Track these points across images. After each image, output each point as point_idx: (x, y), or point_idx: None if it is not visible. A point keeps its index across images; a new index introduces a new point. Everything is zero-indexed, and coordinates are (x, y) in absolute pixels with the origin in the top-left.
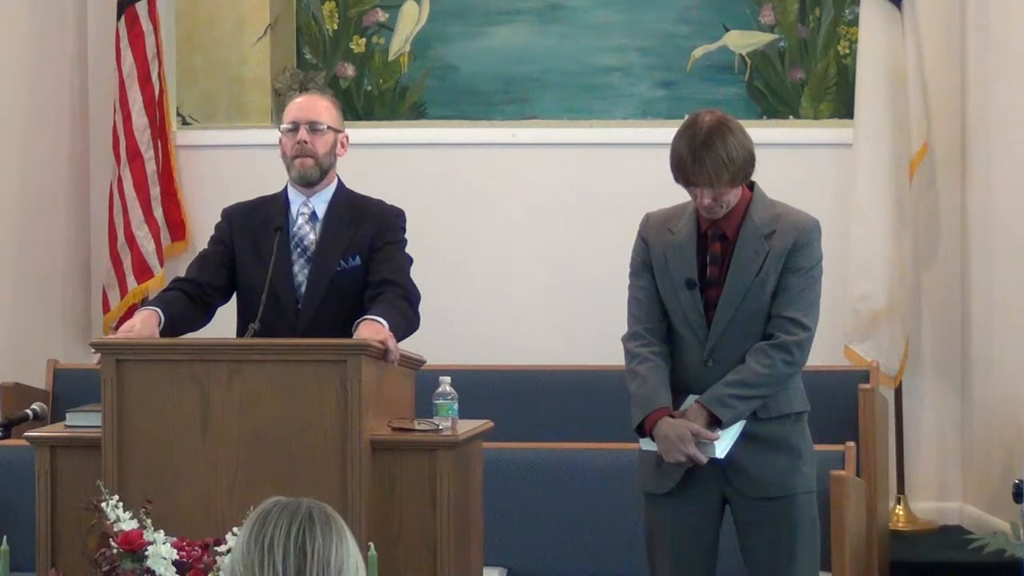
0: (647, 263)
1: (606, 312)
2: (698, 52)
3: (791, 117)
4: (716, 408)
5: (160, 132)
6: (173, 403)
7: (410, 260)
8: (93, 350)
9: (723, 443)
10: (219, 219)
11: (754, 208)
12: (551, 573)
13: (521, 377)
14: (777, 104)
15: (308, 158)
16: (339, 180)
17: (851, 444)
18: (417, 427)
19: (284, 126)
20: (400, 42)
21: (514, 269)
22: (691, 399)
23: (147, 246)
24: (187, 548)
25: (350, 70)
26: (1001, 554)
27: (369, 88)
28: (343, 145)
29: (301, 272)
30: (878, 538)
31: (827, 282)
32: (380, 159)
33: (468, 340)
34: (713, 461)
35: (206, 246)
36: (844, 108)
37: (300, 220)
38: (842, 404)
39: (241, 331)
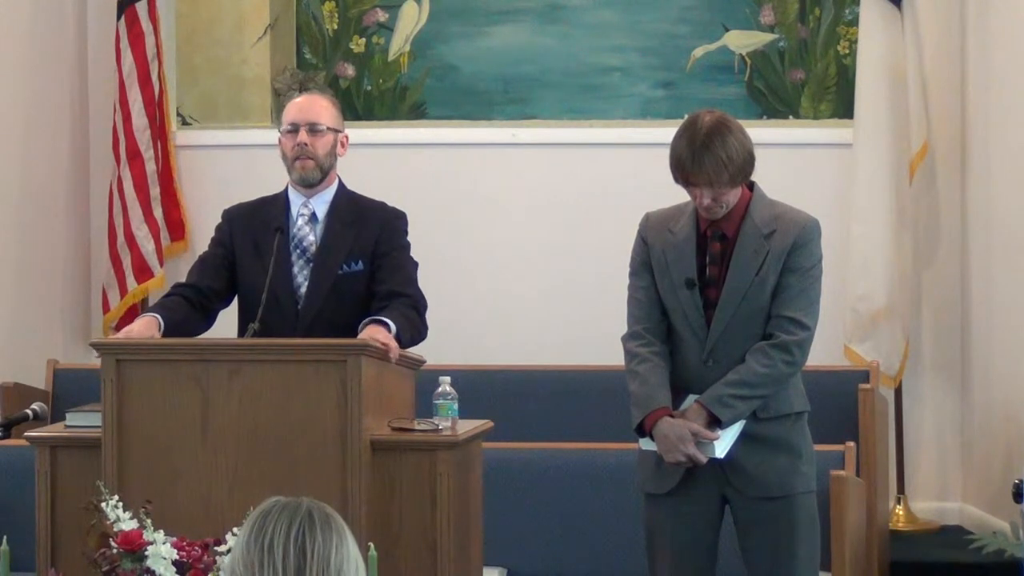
0: (647, 263)
1: (606, 312)
2: (698, 52)
3: (791, 117)
4: (716, 408)
5: (160, 132)
6: (173, 403)
7: (416, 265)
8: (93, 350)
9: (723, 443)
10: (219, 220)
11: (754, 208)
12: (551, 573)
13: (521, 377)
14: (777, 104)
15: (308, 160)
16: (340, 181)
17: (851, 444)
18: (417, 427)
19: (283, 127)
20: (400, 42)
21: (514, 269)
22: (691, 399)
23: (147, 246)
24: (187, 548)
25: (350, 70)
26: (1001, 554)
27: (369, 88)
28: (343, 145)
29: (301, 273)
30: (878, 538)
31: (827, 282)
32: (380, 159)
33: (468, 340)
34: (713, 461)
35: (206, 248)
36: (844, 108)
37: (300, 221)
38: (842, 404)
39: (241, 332)
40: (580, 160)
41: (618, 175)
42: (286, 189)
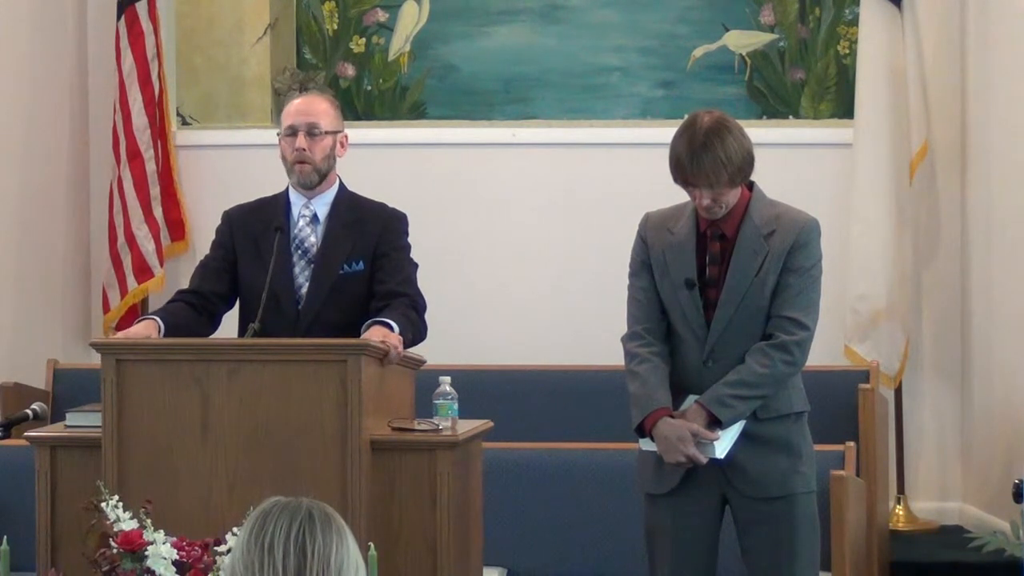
0: (646, 263)
1: (606, 312)
2: (698, 52)
3: (791, 117)
4: (716, 408)
5: (160, 132)
6: (173, 403)
7: (416, 266)
8: (93, 350)
9: (723, 443)
10: (219, 220)
11: (753, 208)
12: (551, 573)
13: (521, 377)
14: (777, 104)
15: (307, 164)
16: (340, 181)
17: (851, 444)
18: (417, 427)
19: (282, 130)
20: (400, 42)
21: (514, 269)
22: (691, 399)
23: (147, 246)
24: (187, 548)
25: (350, 70)
26: (1001, 554)
27: (369, 88)
28: (343, 145)
29: (302, 274)
30: (878, 538)
31: (827, 282)
32: (380, 159)
33: (468, 340)
34: (713, 461)
35: (207, 249)
36: (844, 108)
37: (301, 223)
38: (842, 404)
39: (242, 332)
40: (580, 160)
41: (618, 175)
42: (287, 189)
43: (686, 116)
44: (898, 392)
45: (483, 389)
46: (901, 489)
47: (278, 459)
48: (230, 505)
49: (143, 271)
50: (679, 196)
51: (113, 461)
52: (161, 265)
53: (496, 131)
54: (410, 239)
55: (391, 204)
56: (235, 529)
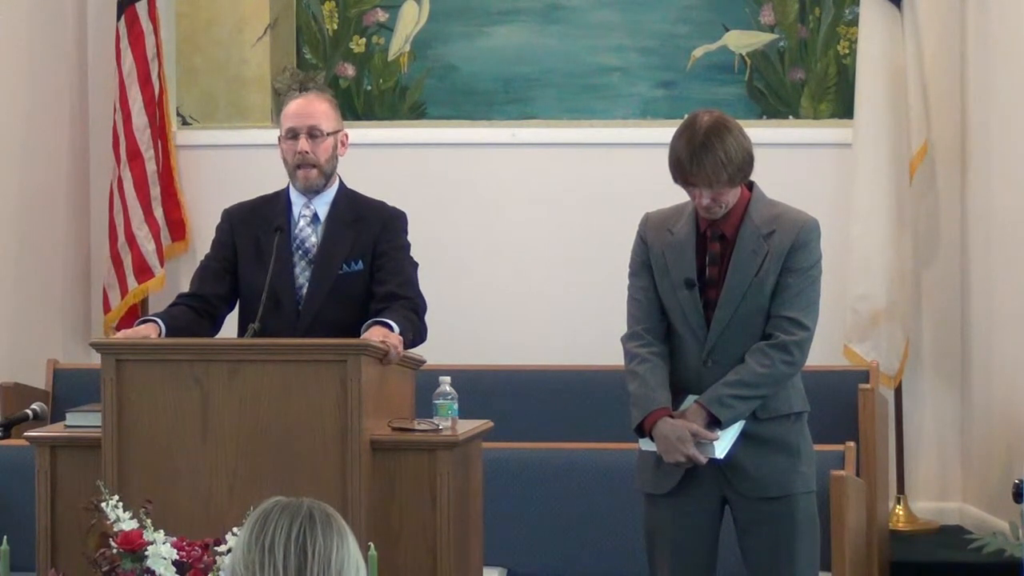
0: (646, 263)
1: (606, 312)
2: (698, 52)
3: (791, 117)
4: (715, 408)
5: (160, 132)
6: (173, 403)
7: (416, 266)
8: (93, 350)
9: (723, 443)
10: (219, 219)
11: (753, 208)
12: (551, 573)
13: (521, 377)
14: (777, 104)
15: (312, 168)
16: (340, 181)
17: (851, 444)
18: (417, 427)
19: (282, 132)
20: (400, 42)
21: (514, 269)
22: (690, 399)
23: (147, 246)
24: (187, 548)
25: (350, 70)
26: (1001, 554)
27: (369, 88)
28: (343, 144)
29: (303, 274)
30: (878, 538)
31: (827, 282)
32: (380, 159)
33: (468, 340)
34: (713, 461)
35: (208, 251)
36: (844, 108)
37: (302, 222)
38: (842, 404)
39: (242, 331)
40: (580, 160)
41: (618, 175)
42: (287, 188)
43: (686, 116)
44: (898, 392)
45: (483, 389)
46: (901, 489)
47: (278, 459)
48: (230, 505)
49: (143, 271)
50: (679, 196)
51: (113, 461)
52: (161, 265)
53: (496, 131)
54: (410, 238)
55: (391, 204)
56: (235, 529)
